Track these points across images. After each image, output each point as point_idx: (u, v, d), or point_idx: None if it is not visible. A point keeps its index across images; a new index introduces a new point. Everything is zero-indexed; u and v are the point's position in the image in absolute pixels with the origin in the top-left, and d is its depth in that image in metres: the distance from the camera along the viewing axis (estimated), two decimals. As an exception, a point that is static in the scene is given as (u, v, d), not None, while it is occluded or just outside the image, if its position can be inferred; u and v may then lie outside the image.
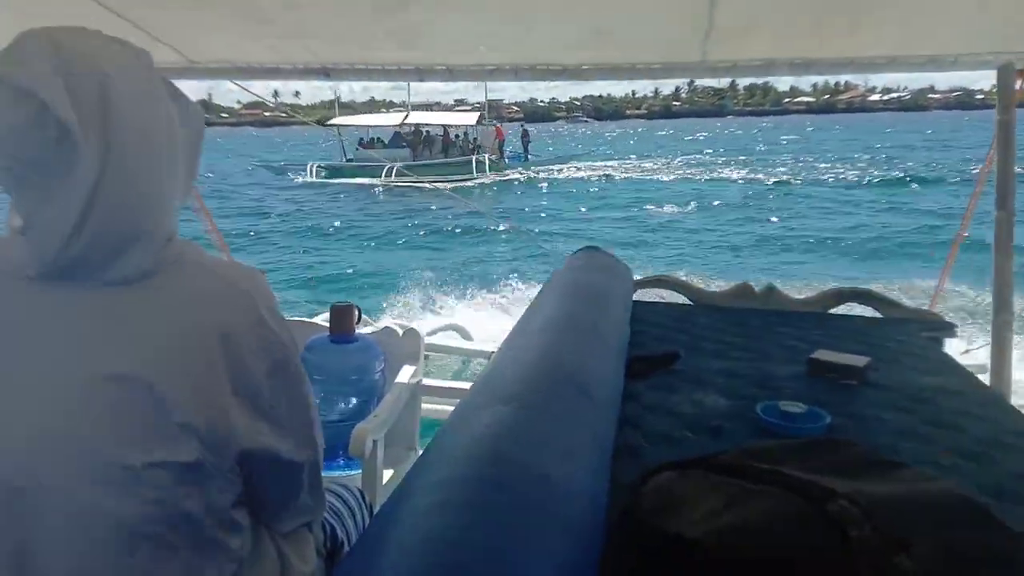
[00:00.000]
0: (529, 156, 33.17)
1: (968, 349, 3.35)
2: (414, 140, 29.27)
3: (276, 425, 0.90)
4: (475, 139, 29.62)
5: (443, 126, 29.70)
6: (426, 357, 3.53)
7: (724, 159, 37.13)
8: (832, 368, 1.74)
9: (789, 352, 1.94)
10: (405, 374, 2.82)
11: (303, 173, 30.18)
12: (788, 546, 0.96)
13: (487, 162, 27.58)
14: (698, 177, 28.10)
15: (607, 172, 30.57)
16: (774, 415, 1.50)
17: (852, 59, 2.99)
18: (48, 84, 0.76)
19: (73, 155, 0.77)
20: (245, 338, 0.85)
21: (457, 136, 29.60)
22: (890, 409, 1.56)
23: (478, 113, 31.83)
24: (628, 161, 37.47)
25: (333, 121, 30.43)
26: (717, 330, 2.15)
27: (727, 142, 56.81)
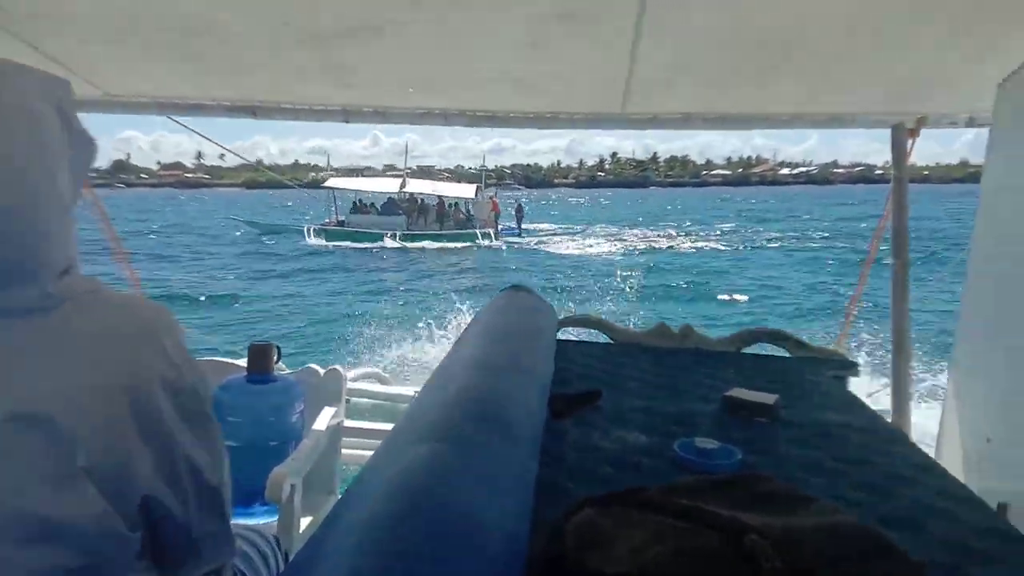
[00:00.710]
0: (522, 229, 33.21)
1: (871, 393, 3.53)
2: (409, 208, 29.23)
3: (174, 476, 0.86)
4: (468, 210, 29.75)
5: (439, 196, 29.67)
6: (348, 401, 3.47)
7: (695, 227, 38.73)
8: (744, 406, 1.81)
9: (705, 390, 2.00)
10: (326, 416, 2.76)
11: (297, 236, 29.57)
12: (704, 578, 0.99)
13: (485, 234, 27.81)
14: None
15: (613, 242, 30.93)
16: (690, 451, 1.54)
17: (763, 115, 3.18)
18: None
19: None
20: (153, 378, 0.82)
21: (451, 206, 29.60)
22: (799, 445, 1.63)
23: (475, 185, 32.26)
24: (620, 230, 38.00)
25: (328, 184, 30.71)
26: (638, 368, 2.20)
27: (685, 211, 59.34)
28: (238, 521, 1.06)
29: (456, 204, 29.96)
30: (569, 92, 3.01)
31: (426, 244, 26.80)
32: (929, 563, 1.16)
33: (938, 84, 2.85)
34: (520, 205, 35.42)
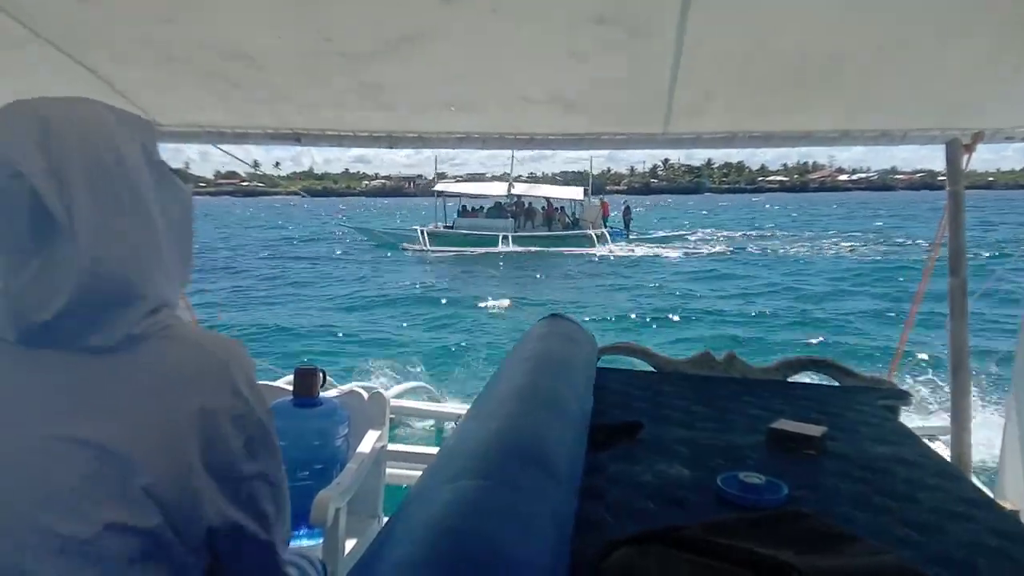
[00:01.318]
0: (630, 232, 32.83)
1: (932, 411, 3.41)
2: (516, 211, 29.31)
3: (248, 503, 0.90)
4: (573, 213, 29.83)
5: (547, 198, 29.91)
6: (392, 419, 3.50)
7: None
8: (791, 438, 1.77)
9: (751, 421, 1.96)
10: (370, 439, 2.78)
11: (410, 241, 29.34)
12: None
13: (599, 236, 27.44)
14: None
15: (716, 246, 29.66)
16: (734, 487, 1.52)
17: (807, 132, 3.12)
18: (27, 154, 0.78)
19: (50, 223, 0.78)
20: (221, 413, 0.86)
21: (559, 209, 29.74)
22: (846, 479, 1.59)
23: (582, 188, 32.17)
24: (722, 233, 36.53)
25: (438, 188, 30.73)
26: (681, 398, 2.17)
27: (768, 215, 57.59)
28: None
29: (562, 207, 29.99)
30: (610, 111, 3.00)
31: (539, 247, 26.33)
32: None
33: (990, 98, 2.77)
34: (628, 207, 34.43)
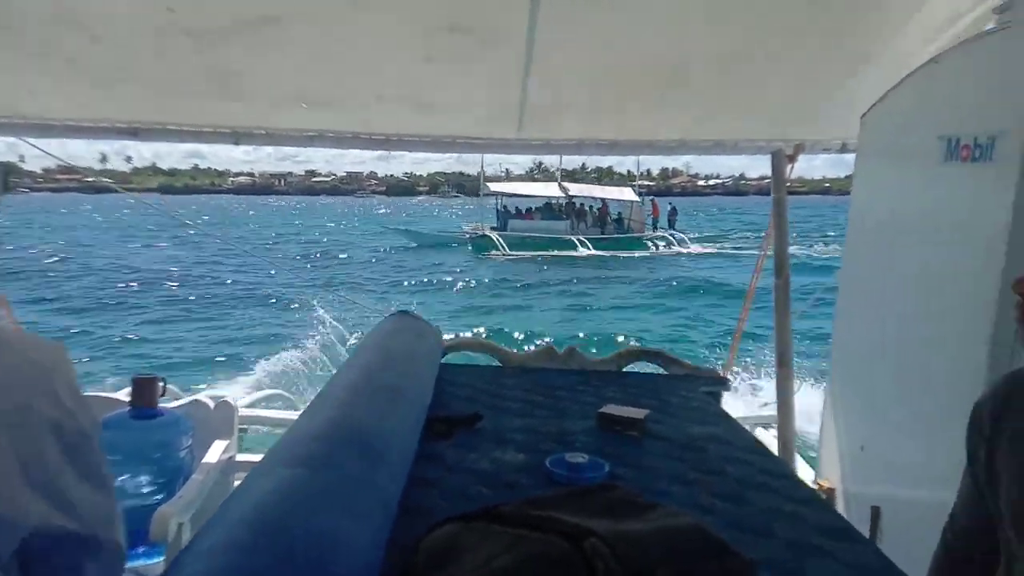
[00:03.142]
0: (674, 233, 32.12)
1: (767, 403, 3.69)
2: (567, 212, 28.63)
3: (71, 515, 0.84)
4: (619, 213, 29.36)
5: (602, 200, 29.19)
6: (244, 431, 3.37)
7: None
8: (617, 421, 1.88)
9: (584, 408, 2.06)
10: (216, 450, 2.69)
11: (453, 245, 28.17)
12: (547, 584, 1.02)
13: (661, 239, 27.65)
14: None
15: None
16: (561, 467, 1.59)
17: (650, 141, 3.32)
18: None
19: None
20: (41, 421, 0.80)
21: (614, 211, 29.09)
22: (665, 457, 1.71)
23: (630, 188, 31.73)
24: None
25: (495, 188, 29.86)
26: (521, 390, 2.25)
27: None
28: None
29: (618, 210, 29.73)
30: (464, 116, 3.06)
31: (612, 250, 26.13)
32: (771, 561, 1.23)
33: (810, 113, 3.05)
34: (674, 208, 33.78)
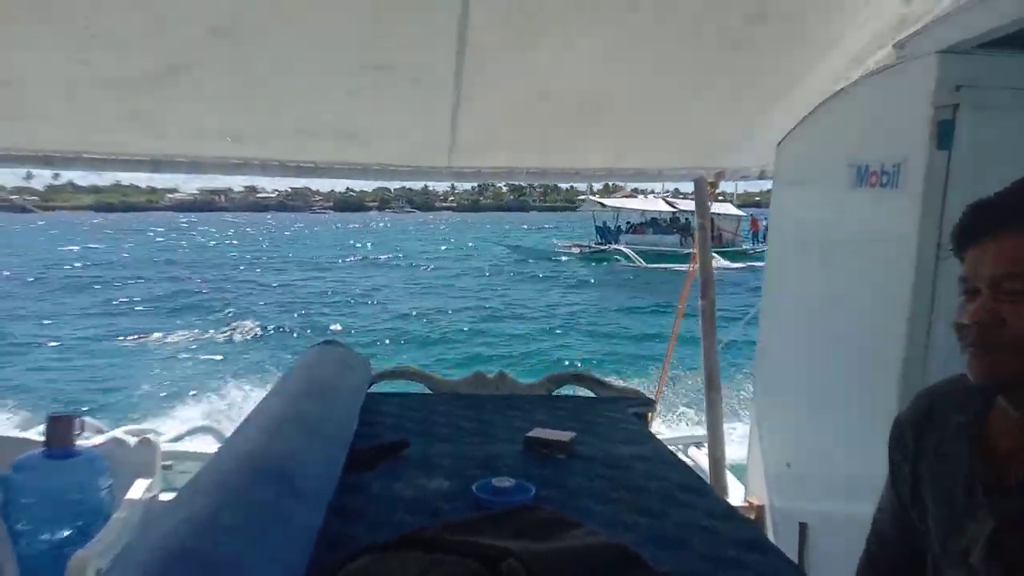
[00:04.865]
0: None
1: (700, 421, 3.75)
2: (674, 226, 28.30)
3: None
4: (720, 228, 28.75)
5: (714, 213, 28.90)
6: (169, 467, 3.25)
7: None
8: (544, 444, 1.89)
9: (512, 432, 2.07)
10: (138, 489, 2.58)
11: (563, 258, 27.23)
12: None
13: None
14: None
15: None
16: (487, 492, 1.59)
17: (578, 169, 3.39)
18: None
19: None
20: None
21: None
22: (590, 477, 1.73)
23: (730, 203, 30.99)
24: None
25: (608, 203, 29.43)
26: (450, 416, 2.24)
27: None
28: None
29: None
30: (394, 145, 3.07)
31: (740, 262, 25.33)
32: (687, 573, 1.25)
33: (731, 143, 3.17)
34: (755, 219, 32.79)
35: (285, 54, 2.15)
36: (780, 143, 2.78)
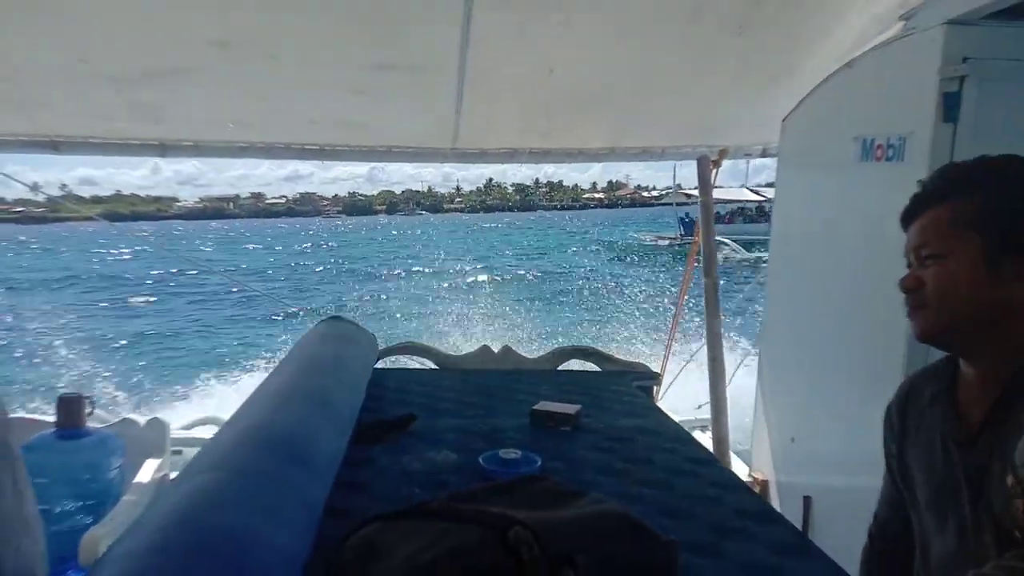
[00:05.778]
0: None
1: (701, 405, 3.77)
2: (760, 215, 28.23)
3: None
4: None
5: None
6: (179, 452, 3.28)
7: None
8: (550, 417, 1.91)
9: (518, 406, 2.08)
10: (148, 470, 2.61)
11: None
12: (472, 572, 1.03)
13: None
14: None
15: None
16: (494, 463, 1.60)
17: (581, 149, 3.39)
18: None
19: None
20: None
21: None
22: (595, 449, 1.74)
23: None
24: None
25: (687, 192, 29.42)
26: (456, 391, 2.26)
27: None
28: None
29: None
30: (399, 131, 3.09)
31: None
32: (693, 542, 1.27)
33: (732, 121, 3.16)
34: None
35: (287, 55, 2.17)
36: (785, 119, 2.77)
